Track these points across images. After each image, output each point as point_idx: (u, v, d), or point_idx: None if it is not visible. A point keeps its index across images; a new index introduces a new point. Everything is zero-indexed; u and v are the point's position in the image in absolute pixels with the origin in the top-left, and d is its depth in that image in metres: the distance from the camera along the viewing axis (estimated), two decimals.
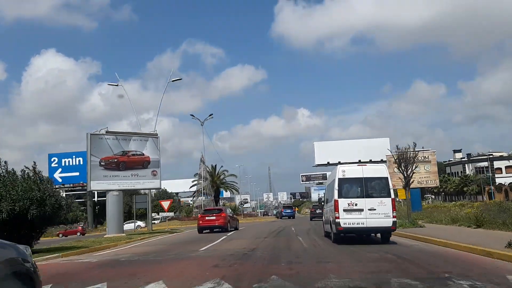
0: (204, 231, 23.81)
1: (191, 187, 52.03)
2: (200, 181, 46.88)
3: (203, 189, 45.98)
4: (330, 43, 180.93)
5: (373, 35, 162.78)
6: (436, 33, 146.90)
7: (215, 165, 52.69)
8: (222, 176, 51.88)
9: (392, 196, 13.56)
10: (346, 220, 13.44)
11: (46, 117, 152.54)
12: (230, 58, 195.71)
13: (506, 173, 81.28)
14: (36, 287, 3.89)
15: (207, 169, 51.42)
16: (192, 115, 45.11)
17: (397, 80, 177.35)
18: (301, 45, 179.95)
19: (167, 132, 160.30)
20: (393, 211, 13.28)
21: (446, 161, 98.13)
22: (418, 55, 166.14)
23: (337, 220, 13.50)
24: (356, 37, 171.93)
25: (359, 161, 71.21)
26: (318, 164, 73.76)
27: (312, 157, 72.80)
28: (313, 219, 40.36)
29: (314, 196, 76.19)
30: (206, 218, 24.26)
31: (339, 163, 73.66)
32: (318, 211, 49.18)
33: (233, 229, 25.23)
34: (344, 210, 13.46)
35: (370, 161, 71.30)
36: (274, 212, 78.16)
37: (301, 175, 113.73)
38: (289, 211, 59.58)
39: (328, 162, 72.81)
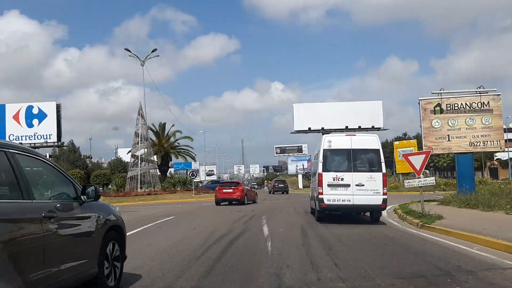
0: (222, 203, 24.02)
1: (128, 152, 37.47)
2: (138, 144, 32.26)
3: (142, 154, 31.53)
4: (305, 15, 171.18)
5: (349, 7, 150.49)
6: (411, 8, 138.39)
7: (164, 124, 38.24)
8: (172, 139, 37.61)
9: (384, 170, 12.08)
10: (331, 197, 11.97)
11: (7, 82, 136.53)
12: (202, 26, 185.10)
13: (509, 147, 69.07)
14: (124, 234, 5.41)
15: (152, 128, 36.80)
16: (127, 50, 30.09)
17: (371, 55, 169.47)
18: (275, 15, 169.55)
19: (136, 101, 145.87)
20: (384, 187, 11.87)
21: None
22: (393, 30, 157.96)
23: (320, 196, 12.00)
24: (331, 9, 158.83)
25: (346, 128, 58.10)
26: (298, 131, 59.56)
27: (287, 127, 59.98)
28: (275, 193, 36.49)
29: (292, 168, 63.46)
30: (224, 190, 24.50)
31: (323, 129, 60.26)
32: (280, 185, 42.98)
33: (250, 202, 25.05)
34: (329, 185, 12.00)
35: (360, 128, 58.30)
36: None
37: (275, 147, 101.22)
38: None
39: (310, 128, 58.76)
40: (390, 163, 72.23)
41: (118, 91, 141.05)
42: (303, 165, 61.49)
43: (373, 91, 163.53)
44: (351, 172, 11.94)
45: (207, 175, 79.98)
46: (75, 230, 4.30)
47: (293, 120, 57.54)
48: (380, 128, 58.65)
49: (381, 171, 11.90)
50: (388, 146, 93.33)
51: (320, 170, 12.06)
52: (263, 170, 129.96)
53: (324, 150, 12.21)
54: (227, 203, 23.99)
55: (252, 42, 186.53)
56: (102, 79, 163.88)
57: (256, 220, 13.83)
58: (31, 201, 3.71)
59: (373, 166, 12.12)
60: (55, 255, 3.85)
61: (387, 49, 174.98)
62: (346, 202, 11.84)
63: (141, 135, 32.05)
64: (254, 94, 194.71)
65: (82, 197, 4.54)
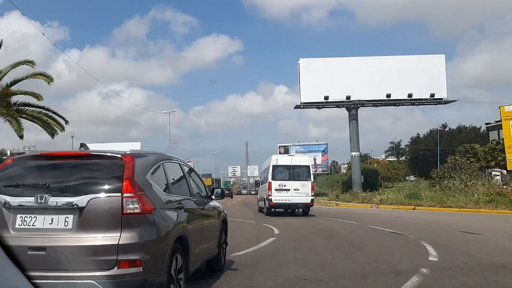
0: None
1: None
2: None
3: None
4: (307, 15, 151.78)
5: (353, 7, 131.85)
6: (418, 8, 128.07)
7: None
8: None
9: (312, 179, 17.51)
10: (277, 197, 16.80)
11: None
12: (203, 27, 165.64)
13: None
14: (227, 226, 6.70)
15: None
16: None
17: None
18: (276, 15, 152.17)
19: (141, 104, 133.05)
20: (312, 191, 17.14)
21: (489, 123, 62.17)
22: (398, 31, 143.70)
23: (269, 197, 16.85)
24: (335, 9, 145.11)
25: (388, 97, 34.31)
26: (306, 103, 35.31)
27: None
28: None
29: None
30: None
31: (349, 100, 36.18)
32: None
33: None
34: (276, 190, 16.80)
35: (410, 98, 34.61)
36: None
37: (279, 146, 77.45)
38: None
39: (327, 98, 34.47)
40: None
41: (120, 93, 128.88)
42: (314, 158, 37.98)
43: None
44: (291, 181, 16.99)
45: None
46: (210, 219, 5.64)
47: (299, 86, 34.35)
48: (442, 99, 35.19)
49: (310, 180, 17.23)
50: (452, 135, 70.43)
51: (270, 179, 17.05)
52: None
53: (273, 165, 17.22)
54: None
55: (254, 43, 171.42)
56: (103, 81, 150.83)
57: None
58: (193, 197, 5.26)
59: (305, 177, 17.21)
60: (204, 235, 5.20)
61: (393, 51, 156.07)
62: (287, 201, 16.90)
63: None
64: (259, 98, 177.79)
65: (211, 196, 6.02)
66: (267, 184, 17.15)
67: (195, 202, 5.19)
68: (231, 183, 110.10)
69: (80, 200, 3.60)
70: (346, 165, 79.21)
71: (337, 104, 34.57)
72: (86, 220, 3.58)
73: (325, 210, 22.27)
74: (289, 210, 18.25)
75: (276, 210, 17.49)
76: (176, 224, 4.22)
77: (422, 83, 33.64)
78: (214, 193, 6.08)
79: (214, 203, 6.03)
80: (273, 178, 16.85)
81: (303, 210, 17.51)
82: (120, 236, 3.53)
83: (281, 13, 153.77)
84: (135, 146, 70.74)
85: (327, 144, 38.21)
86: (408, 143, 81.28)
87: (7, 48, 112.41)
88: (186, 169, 5.47)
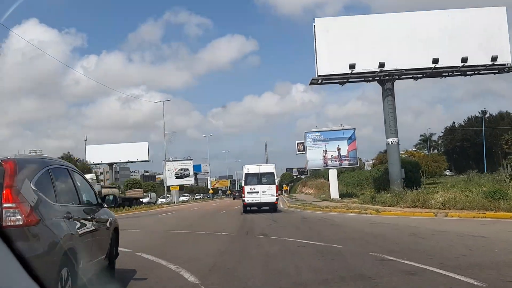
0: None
1: None
2: None
3: None
4: (321, 11, 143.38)
5: (368, 2, 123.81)
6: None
7: None
8: None
9: (276, 183, 21.96)
10: (249, 198, 21.00)
11: (27, 91, 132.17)
12: (218, 28, 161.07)
13: None
14: (119, 235, 6.28)
15: None
16: None
17: None
18: (289, 12, 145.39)
19: (160, 108, 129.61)
20: (276, 192, 21.52)
21: None
22: None
23: (243, 199, 21.46)
24: (350, 3, 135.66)
25: (435, 64, 25.65)
26: (324, 77, 25.85)
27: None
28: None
29: (314, 155, 30.49)
30: None
31: (382, 69, 26.87)
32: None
33: None
34: (248, 192, 21.09)
35: (463, 64, 26.38)
36: None
37: (297, 143, 70.21)
38: None
39: (352, 67, 25.14)
40: None
41: (139, 98, 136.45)
42: (338, 148, 29.03)
43: (400, 89, 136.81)
44: (259, 185, 21.15)
45: (177, 177, 49.89)
46: (101, 229, 5.15)
47: (316, 55, 26.28)
48: (505, 65, 26.64)
49: (274, 184, 21.51)
50: None
51: (243, 184, 21.85)
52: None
53: (245, 174, 21.88)
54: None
55: (269, 42, 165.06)
56: (122, 85, 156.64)
57: None
58: (83, 206, 4.82)
59: (270, 182, 21.38)
60: (94, 246, 4.77)
61: None
62: (257, 201, 21.01)
63: None
64: (276, 97, 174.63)
65: (103, 203, 5.60)
66: (242, 189, 22.43)
67: (85, 211, 4.82)
68: None
69: None
70: (371, 162, 70.85)
71: (366, 77, 26.45)
72: None
73: (363, 224, 13.17)
74: (266, 207, 21.58)
75: (252, 208, 21.34)
76: (65, 236, 3.82)
77: (477, 45, 25.27)
78: (106, 200, 5.76)
79: (105, 211, 5.67)
80: (246, 184, 21.50)
81: (271, 207, 21.41)
82: None
83: (294, 10, 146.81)
84: (142, 146, 63.52)
85: (354, 129, 29.51)
86: (442, 134, 72.20)
87: (24, 56, 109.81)
88: (76, 175, 5.02)
